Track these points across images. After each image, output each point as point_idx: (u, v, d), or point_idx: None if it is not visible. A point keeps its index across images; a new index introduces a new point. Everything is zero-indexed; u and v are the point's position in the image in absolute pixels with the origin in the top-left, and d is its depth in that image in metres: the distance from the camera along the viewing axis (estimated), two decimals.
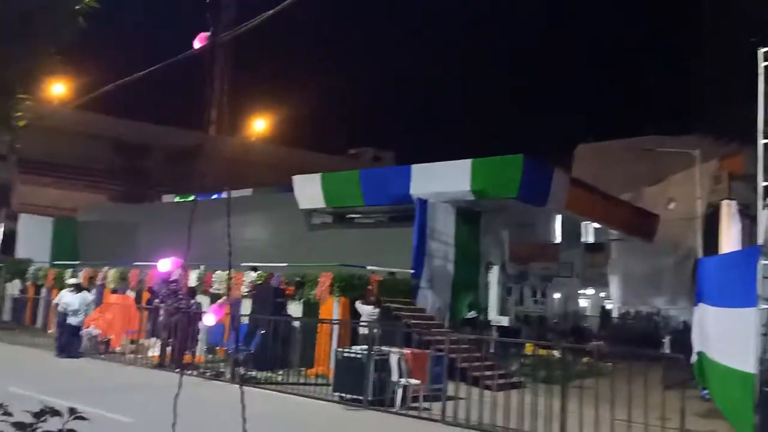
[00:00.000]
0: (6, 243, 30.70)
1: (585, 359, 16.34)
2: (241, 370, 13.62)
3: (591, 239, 28.86)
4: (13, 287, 23.70)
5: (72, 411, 1.76)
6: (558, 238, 26.67)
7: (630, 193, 31.23)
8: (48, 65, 3.71)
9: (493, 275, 20.81)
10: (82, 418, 1.81)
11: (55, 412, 1.75)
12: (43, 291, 22.72)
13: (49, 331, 18.21)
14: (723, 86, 25.66)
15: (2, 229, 31.87)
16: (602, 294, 36.67)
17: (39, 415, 1.72)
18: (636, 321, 30.12)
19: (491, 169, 18.10)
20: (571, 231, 26.23)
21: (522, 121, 62.30)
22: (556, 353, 11.98)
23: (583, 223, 26.08)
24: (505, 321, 20.32)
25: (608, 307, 36.26)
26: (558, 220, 24.73)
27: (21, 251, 27.08)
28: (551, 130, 59.21)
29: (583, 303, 37.67)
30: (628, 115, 51.20)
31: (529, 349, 16.31)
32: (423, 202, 17.97)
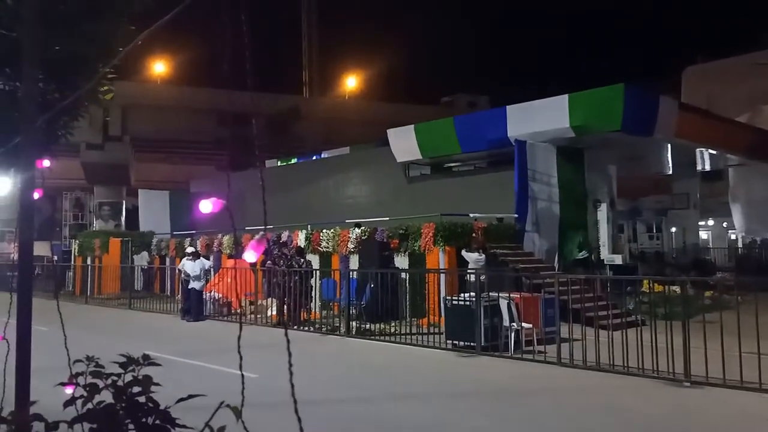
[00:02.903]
0: (130, 218, 33.21)
1: (708, 293, 15.54)
2: (355, 323, 14.03)
3: (707, 167, 27.05)
4: (141, 259, 25.46)
5: (145, 357, 1.96)
6: (670, 169, 25.16)
7: (747, 113, 28.91)
8: (124, 37, 3.86)
9: (602, 213, 20.07)
10: (155, 364, 1.97)
11: (134, 361, 1.96)
12: (167, 261, 24.25)
13: (177, 297, 19.51)
14: None
15: (125, 205, 34.43)
16: (724, 224, 34.57)
17: (125, 365, 1.92)
18: (763, 250, 28.23)
19: (590, 102, 17.28)
20: (685, 160, 24.66)
21: (619, 52, 58.85)
22: (676, 288, 11.43)
23: (697, 150, 24.42)
24: (618, 259, 19.61)
25: (732, 237, 34.21)
26: (668, 149, 23.29)
27: (143, 224, 28.98)
28: (651, 58, 55.54)
29: (703, 235, 35.65)
30: (735, 31, 47.12)
31: (645, 285, 15.68)
32: (521, 144, 17.48)
